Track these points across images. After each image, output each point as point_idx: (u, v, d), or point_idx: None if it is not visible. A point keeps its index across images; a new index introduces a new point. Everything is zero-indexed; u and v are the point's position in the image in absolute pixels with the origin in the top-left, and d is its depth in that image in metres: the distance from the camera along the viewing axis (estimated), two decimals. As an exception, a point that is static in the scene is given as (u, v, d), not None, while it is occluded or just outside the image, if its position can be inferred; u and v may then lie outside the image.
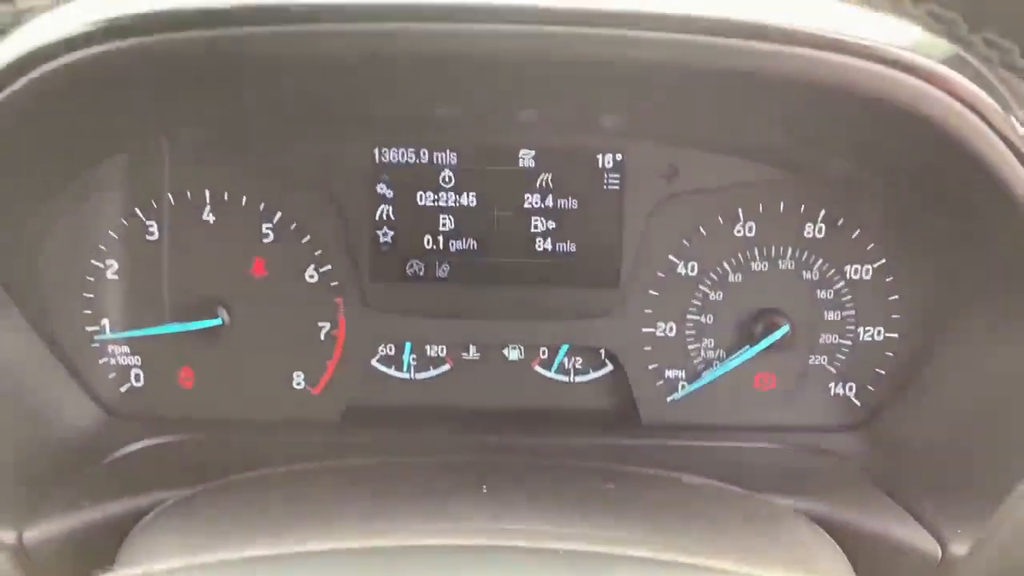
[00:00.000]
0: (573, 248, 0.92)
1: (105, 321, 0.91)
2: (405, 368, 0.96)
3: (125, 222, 0.89)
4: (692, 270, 0.93)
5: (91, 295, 0.90)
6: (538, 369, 0.97)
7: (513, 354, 0.96)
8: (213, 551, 0.56)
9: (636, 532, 0.60)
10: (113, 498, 0.78)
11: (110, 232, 0.90)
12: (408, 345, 0.95)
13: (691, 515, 0.68)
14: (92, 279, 0.90)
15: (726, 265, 0.93)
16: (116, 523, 0.74)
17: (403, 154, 0.90)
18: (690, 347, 0.95)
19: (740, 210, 0.91)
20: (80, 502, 0.75)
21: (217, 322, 0.90)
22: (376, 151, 0.89)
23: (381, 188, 0.90)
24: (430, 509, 0.65)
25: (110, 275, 0.90)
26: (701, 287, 0.93)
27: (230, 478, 0.74)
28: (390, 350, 0.96)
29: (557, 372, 0.97)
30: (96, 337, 0.91)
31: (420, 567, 0.53)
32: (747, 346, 0.93)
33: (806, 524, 0.71)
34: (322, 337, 0.93)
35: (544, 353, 0.96)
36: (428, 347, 0.95)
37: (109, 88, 0.71)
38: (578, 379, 0.97)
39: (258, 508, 0.68)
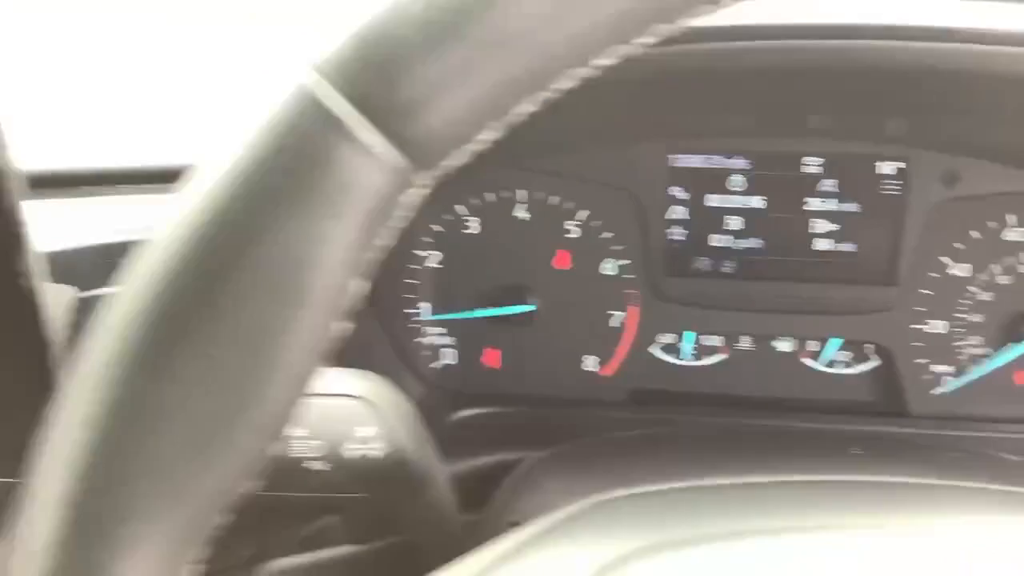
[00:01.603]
0: (852, 248, 0.99)
1: (425, 305, 1.03)
2: (684, 356, 1.05)
3: (449, 217, 1.01)
4: (964, 271, 0.99)
5: (414, 282, 1.02)
6: (807, 361, 1.04)
7: (784, 346, 1.04)
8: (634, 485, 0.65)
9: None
10: (456, 457, 0.89)
11: (434, 226, 1.02)
12: (690, 335, 1.04)
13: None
14: (416, 267, 1.02)
15: (996, 267, 0.99)
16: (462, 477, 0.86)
17: (695, 160, 0.99)
18: (956, 344, 1.01)
19: (1012, 216, 0.97)
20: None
21: (529, 308, 1.01)
22: (670, 157, 0.99)
23: (674, 191, 1.00)
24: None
25: (431, 264, 1.02)
26: (971, 287, 0.99)
27: (586, 439, 0.85)
28: (672, 339, 1.05)
29: (825, 364, 1.04)
30: (415, 319, 1.03)
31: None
32: (1012, 344, 0.99)
33: None
34: (614, 324, 1.03)
35: (813, 346, 1.04)
36: (706, 337, 1.04)
37: None
38: (844, 371, 1.04)
39: (641, 458, 0.78)
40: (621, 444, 0.86)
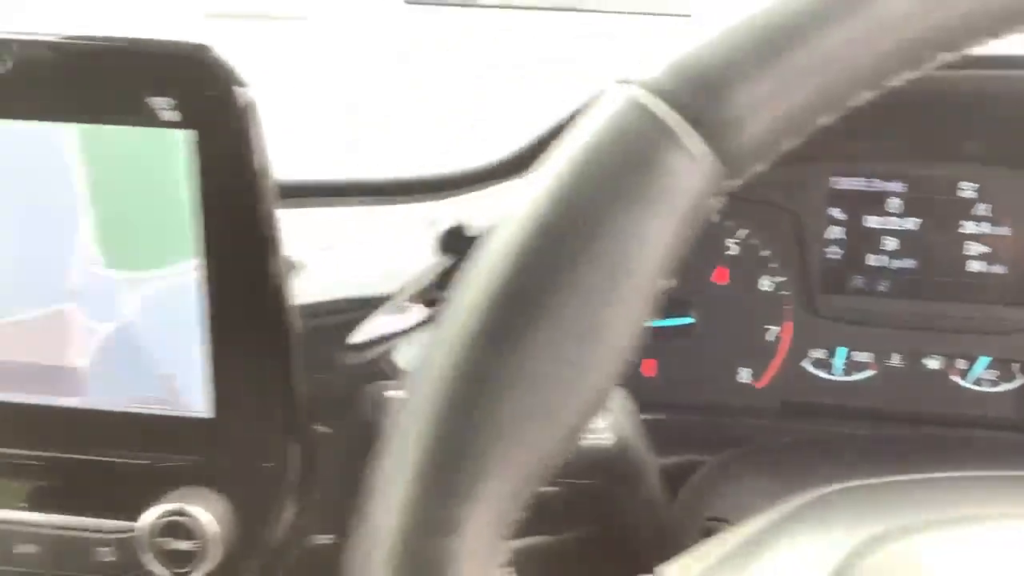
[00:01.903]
0: (1003, 271, 1.03)
1: (588, 315, 1.08)
2: (835, 371, 1.09)
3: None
4: None
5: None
6: (955, 378, 1.08)
7: (933, 364, 1.08)
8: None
9: None
10: None
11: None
12: (842, 351, 1.08)
13: None
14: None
15: None
16: None
17: (855, 182, 1.04)
18: (1102, 363, 1.05)
19: None
20: None
21: (690, 321, 1.06)
22: (831, 179, 1.04)
23: (833, 212, 1.04)
24: None
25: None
26: (1118, 308, 1.03)
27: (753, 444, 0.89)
28: (823, 354, 1.09)
29: (972, 382, 1.08)
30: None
31: None
32: None
33: None
34: (769, 339, 1.07)
35: (962, 364, 1.08)
36: (857, 353, 1.08)
37: None
38: (991, 389, 1.08)
39: (816, 461, 0.82)
40: (793, 449, 0.91)
